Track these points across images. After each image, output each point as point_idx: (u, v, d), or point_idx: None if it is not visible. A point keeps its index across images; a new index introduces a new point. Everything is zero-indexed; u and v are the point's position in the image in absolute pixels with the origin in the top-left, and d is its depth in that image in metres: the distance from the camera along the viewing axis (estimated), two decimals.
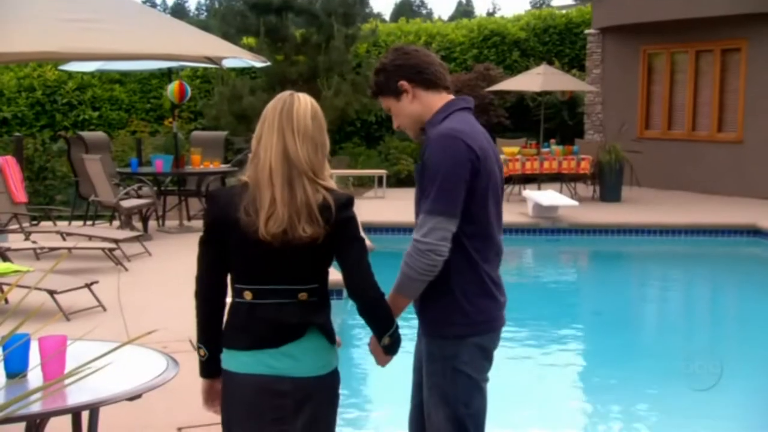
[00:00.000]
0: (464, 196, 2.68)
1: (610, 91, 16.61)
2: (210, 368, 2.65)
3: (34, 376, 3.04)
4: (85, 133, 11.29)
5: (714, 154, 14.74)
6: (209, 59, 3.45)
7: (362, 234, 2.58)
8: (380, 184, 15.12)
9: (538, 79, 13.91)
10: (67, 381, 2.21)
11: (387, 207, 13.34)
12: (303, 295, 2.52)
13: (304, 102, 2.54)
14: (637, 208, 13.09)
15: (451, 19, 39.53)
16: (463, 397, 2.75)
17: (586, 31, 17.70)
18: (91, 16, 2.70)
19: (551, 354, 7.41)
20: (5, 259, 7.45)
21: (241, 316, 2.55)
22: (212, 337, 2.60)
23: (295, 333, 2.50)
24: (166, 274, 8.23)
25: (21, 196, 9.05)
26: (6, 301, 6.69)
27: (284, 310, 2.51)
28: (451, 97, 2.86)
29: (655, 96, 15.95)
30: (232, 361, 2.55)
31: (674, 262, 11.29)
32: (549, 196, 12.18)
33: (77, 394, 2.88)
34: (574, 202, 12.11)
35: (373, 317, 2.62)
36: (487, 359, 2.82)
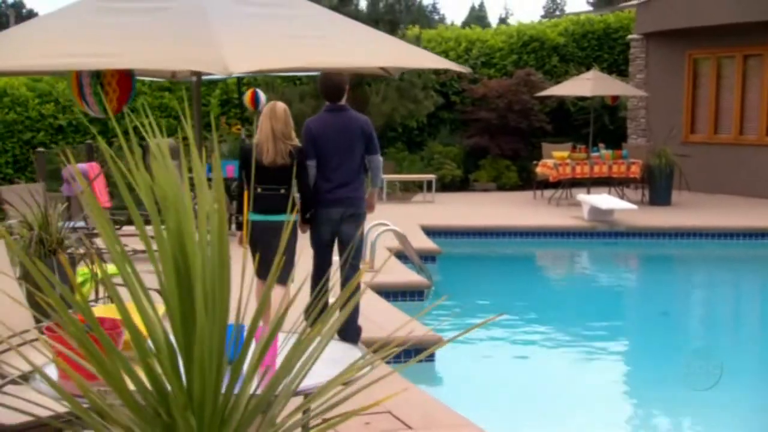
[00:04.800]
0: (314, 150, 5.80)
1: (654, 96, 16.74)
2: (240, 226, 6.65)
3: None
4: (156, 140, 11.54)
5: (763, 158, 14.84)
6: (384, 69, 3.64)
7: (305, 163, 5.79)
8: (428, 188, 15.32)
9: (588, 84, 14.08)
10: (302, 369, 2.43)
11: (443, 211, 13.53)
12: (282, 190, 5.67)
13: (280, 106, 5.71)
14: (690, 212, 13.22)
15: (464, 23, 39.73)
16: (312, 234, 5.94)
17: (629, 37, 17.84)
18: (314, 33, 2.91)
19: (626, 349, 7.59)
20: (102, 260, 7.67)
21: (257, 198, 5.66)
22: (242, 208, 6.30)
23: (276, 212, 5.65)
24: (248, 273, 8.44)
25: (105, 200, 9.29)
26: (111, 299, 6.91)
27: (273, 197, 5.66)
28: (328, 104, 5.82)
29: (700, 100, 16.07)
30: (256, 216, 5.68)
31: (735, 265, 11.39)
32: (605, 199, 12.34)
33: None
34: (632, 206, 12.26)
35: (307, 202, 5.80)
36: (325, 217, 5.85)
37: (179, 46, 2.70)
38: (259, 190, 5.61)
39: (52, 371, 3.28)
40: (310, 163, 5.79)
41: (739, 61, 15.21)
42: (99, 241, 9.12)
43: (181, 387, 1.66)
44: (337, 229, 5.90)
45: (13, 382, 3.81)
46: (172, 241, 1.66)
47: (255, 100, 10.49)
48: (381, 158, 6.02)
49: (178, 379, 1.65)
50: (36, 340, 4.17)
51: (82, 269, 6.29)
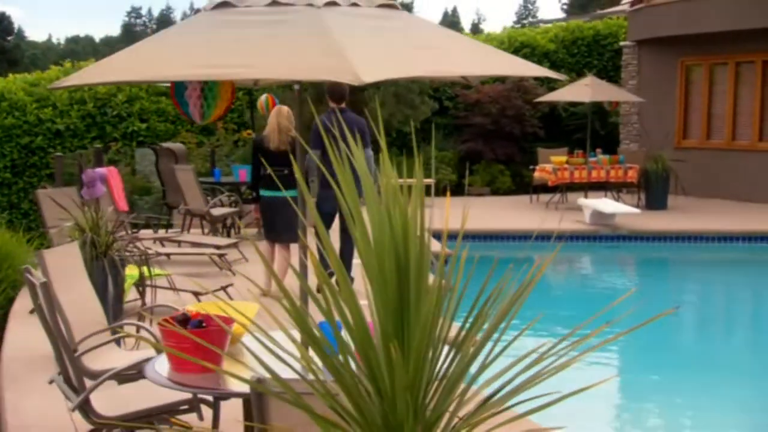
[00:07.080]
0: (320, 141, 7.29)
1: (646, 102, 17.04)
2: (256, 200, 7.88)
3: None
4: (168, 144, 11.61)
5: (755, 163, 15.14)
6: (464, 77, 3.79)
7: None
8: (427, 193, 15.50)
9: (587, 90, 14.35)
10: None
11: (444, 215, 13.68)
12: (285, 171, 7.31)
13: (285, 108, 7.67)
14: (687, 215, 13.49)
15: None
16: (318, 209, 6.54)
17: (622, 43, 18.15)
18: (427, 43, 3.06)
19: (638, 349, 7.82)
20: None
21: (266, 177, 7.47)
22: (257, 186, 7.68)
23: (279, 189, 7.25)
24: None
25: (123, 205, 9.36)
26: (144, 302, 7.01)
27: (278, 177, 7.25)
28: (335, 106, 7.44)
29: (693, 106, 16.38)
30: (265, 191, 7.56)
31: (740, 267, 11.64)
32: (608, 203, 12.60)
33: None
34: (636, 210, 12.52)
35: (306, 181, 6.37)
36: (324, 195, 7.30)
37: (307, 57, 2.82)
38: (269, 170, 7.28)
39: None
40: (315, 152, 7.13)
41: (731, 68, 15.56)
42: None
43: (406, 369, 1.80)
44: (337, 205, 7.69)
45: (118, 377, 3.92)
46: (396, 240, 1.80)
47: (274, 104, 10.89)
48: (371, 152, 7.43)
49: (406, 363, 1.79)
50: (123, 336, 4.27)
51: (129, 270, 6.39)
